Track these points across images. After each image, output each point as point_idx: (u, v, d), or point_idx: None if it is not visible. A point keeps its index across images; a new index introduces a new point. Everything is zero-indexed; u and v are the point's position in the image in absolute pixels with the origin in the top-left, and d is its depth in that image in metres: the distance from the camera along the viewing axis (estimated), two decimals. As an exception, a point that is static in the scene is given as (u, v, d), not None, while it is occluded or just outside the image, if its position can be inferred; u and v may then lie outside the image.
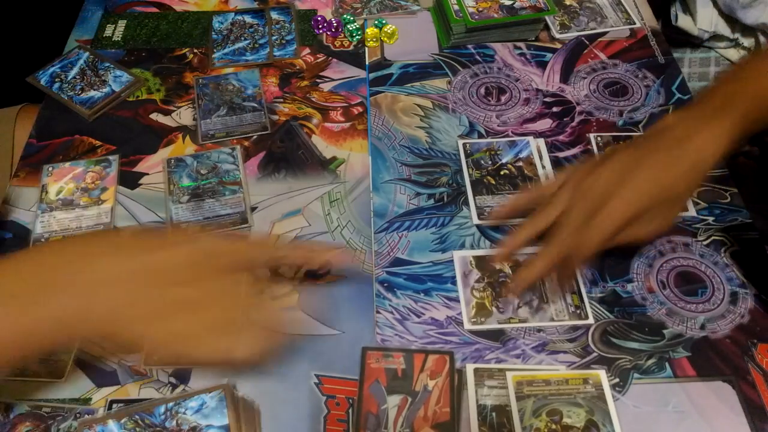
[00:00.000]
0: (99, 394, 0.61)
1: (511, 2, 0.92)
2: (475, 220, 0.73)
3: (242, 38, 0.94)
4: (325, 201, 0.76)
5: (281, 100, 0.86)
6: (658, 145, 0.60)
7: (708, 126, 0.60)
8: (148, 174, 0.78)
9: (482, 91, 0.87)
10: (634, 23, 0.95)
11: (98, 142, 0.81)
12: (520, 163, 0.78)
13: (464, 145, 0.80)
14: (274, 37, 0.94)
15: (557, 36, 0.93)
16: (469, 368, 0.62)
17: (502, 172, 0.77)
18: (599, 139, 0.81)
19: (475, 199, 0.75)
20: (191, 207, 0.74)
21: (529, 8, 0.91)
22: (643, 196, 0.58)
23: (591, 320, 0.65)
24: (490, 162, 0.78)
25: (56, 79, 0.87)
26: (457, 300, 0.67)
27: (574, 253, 0.60)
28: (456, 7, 0.91)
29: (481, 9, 0.90)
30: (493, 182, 0.77)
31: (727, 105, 0.61)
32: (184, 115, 0.84)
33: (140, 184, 0.77)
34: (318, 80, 0.88)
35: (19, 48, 1.28)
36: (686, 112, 0.63)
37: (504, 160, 0.79)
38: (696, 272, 0.69)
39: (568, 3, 0.98)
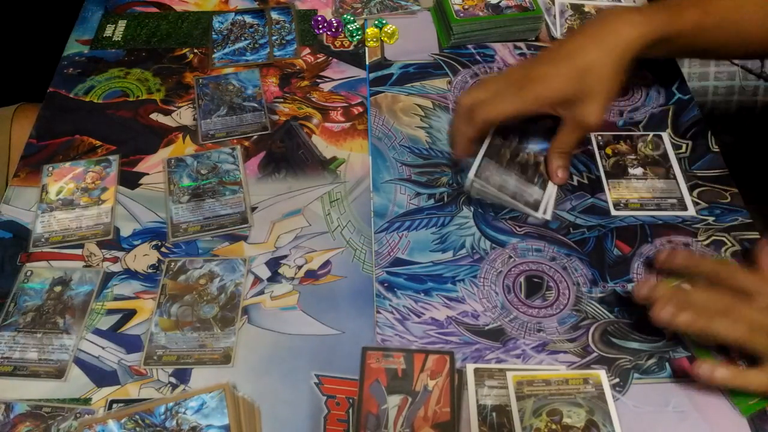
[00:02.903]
0: (99, 394, 0.61)
1: (497, 1, 0.91)
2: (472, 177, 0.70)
3: (242, 38, 0.94)
4: (325, 201, 0.76)
5: (281, 100, 0.86)
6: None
7: (626, 14, 0.68)
8: (148, 174, 0.78)
9: (482, 91, 0.87)
10: (634, 23, 0.95)
11: (98, 142, 0.81)
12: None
13: (464, 145, 0.80)
14: (274, 37, 0.94)
15: (557, 36, 0.93)
16: (470, 368, 0.62)
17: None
18: (599, 138, 0.81)
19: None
20: (191, 207, 0.74)
21: (515, 7, 0.91)
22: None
23: None
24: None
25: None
26: (457, 300, 0.67)
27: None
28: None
29: (466, 6, 0.90)
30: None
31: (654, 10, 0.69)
32: (184, 115, 0.84)
33: (140, 184, 0.77)
34: (318, 80, 0.88)
35: (19, 48, 1.28)
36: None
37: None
38: (696, 272, 0.69)
39: (586, 9, 0.96)
